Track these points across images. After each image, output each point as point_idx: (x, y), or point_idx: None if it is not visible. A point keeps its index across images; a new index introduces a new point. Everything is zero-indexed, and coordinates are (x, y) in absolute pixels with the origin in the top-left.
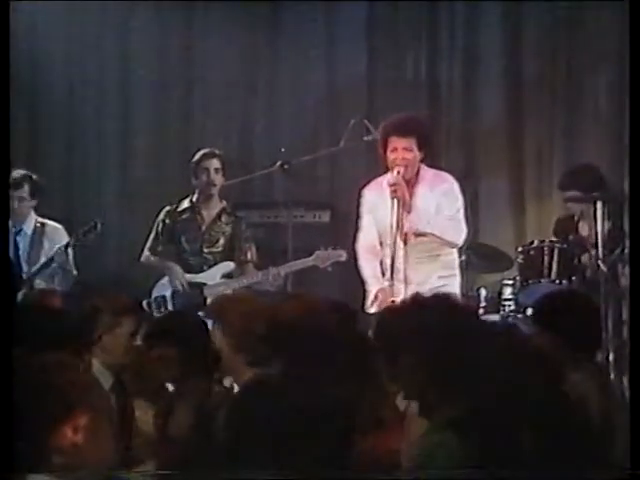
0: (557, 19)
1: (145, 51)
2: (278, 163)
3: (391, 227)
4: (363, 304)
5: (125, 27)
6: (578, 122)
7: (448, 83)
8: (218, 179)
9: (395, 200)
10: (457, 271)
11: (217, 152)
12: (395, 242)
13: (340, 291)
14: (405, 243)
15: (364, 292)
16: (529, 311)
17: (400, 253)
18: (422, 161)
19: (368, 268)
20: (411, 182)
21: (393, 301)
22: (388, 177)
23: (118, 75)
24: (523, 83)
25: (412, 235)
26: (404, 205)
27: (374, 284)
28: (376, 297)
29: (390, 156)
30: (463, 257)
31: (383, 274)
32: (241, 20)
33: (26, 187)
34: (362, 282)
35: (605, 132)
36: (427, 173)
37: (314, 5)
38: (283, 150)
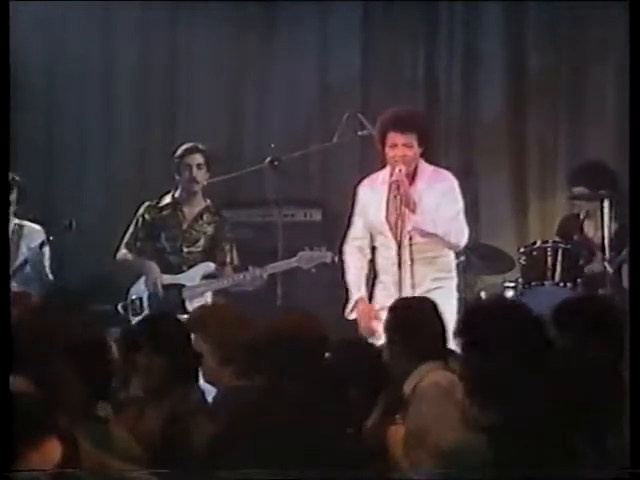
0: (559, 13)
1: (129, 49)
2: (268, 159)
3: (391, 225)
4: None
5: (109, 25)
6: (582, 119)
7: (447, 79)
8: (201, 175)
9: (397, 198)
10: (454, 273)
11: (200, 147)
12: (396, 242)
13: (326, 293)
14: (403, 243)
15: (347, 296)
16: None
17: (395, 253)
18: (421, 156)
19: (354, 270)
20: (409, 179)
21: (374, 314)
22: (384, 173)
23: (101, 74)
24: (525, 79)
25: (416, 235)
26: (407, 203)
27: (355, 291)
28: (355, 306)
29: (389, 152)
30: (462, 258)
31: (375, 276)
32: (233, 19)
33: (14, 191)
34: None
35: (611, 129)
36: (426, 169)
37: (309, 4)
38: (273, 146)
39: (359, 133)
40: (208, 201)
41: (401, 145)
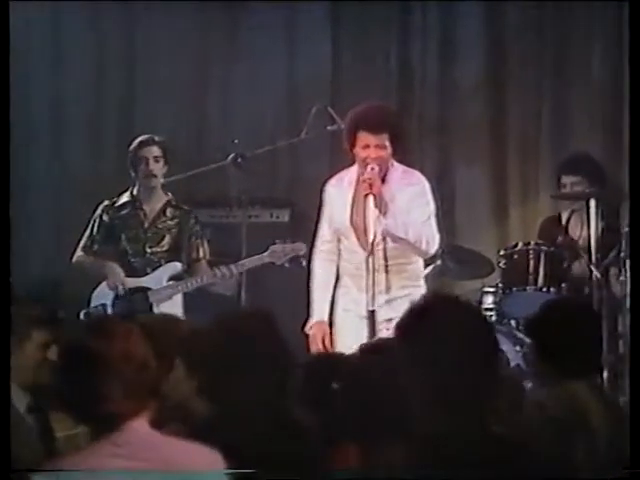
0: None
1: (84, 46)
2: (231, 156)
3: (358, 229)
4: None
5: (61, 21)
6: (567, 112)
7: (421, 67)
8: (158, 168)
9: (370, 197)
10: (422, 282)
11: (156, 139)
12: (363, 246)
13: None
14: (372, 248)
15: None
16: (512, 322)
17: (362, 258)
18: (392, 156)
19: (319, 280)
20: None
21: (327, 340)
22: (352, 172)
23: (51, 76)
24: (505, 70)
25: (383, 240)
26: (378, 205)
27: (317, 311)
28: (311, 328)
29: (361, 153)
30: (438, 262)
31: (337, 278)
32: (193, 19)
33: None
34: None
35: (598, 124)
36: (396, 170)
37: None
38: (237, 141)
39: (329, 128)
40: (169, 195)
41: (374, 146)
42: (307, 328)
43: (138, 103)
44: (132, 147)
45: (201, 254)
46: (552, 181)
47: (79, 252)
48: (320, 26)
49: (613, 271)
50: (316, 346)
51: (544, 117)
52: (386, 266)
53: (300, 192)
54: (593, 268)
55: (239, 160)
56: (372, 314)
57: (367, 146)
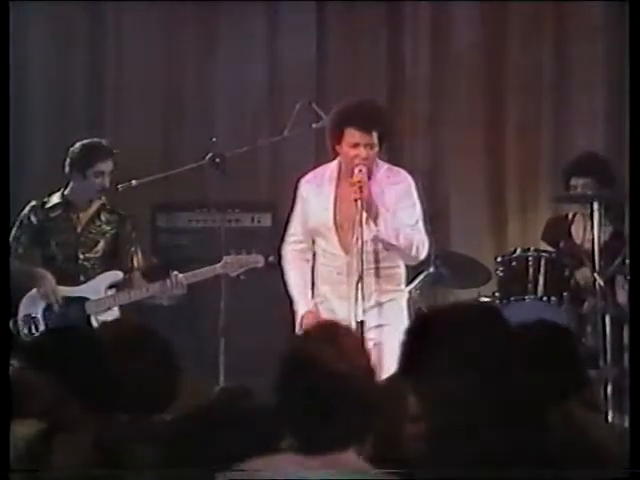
0: None
1: (49, 48)
2: (209, 156)
3: (341, 231)
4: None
5: (26, 18)
6: (568, 110)
7: (412, 62)
8: (108, 182)
9: (358, 202)
10: (403, 286)
11: (113, 151)
12: (344, 250)
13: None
14: (350, 252)
15: (291, 309)
16: None
17: (343, 262)
18: (377, 154)
19: (296, 278)
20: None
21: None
22: (332, 169)
23: (18, 74)
24: (503, 62)
25: (368, 244)
26: (368, 209)
27: (302, 303)
28: (302, 320)
29: (349, 152)
30: (431, 269)
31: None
32: (170, 13)
33: None
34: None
35: (601, 123)
36: (380, 168)
37: None
38: (214, 140)
39: (313, 125)
40: (103, 198)
41: (363, 145)
42: (298, 322)
43: (109, 99)
44: (85, 153)
45: (135, 264)
46: (553, 184)
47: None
48: (304, 17)
49: (619, 279)
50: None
51: (544, 116)
52: (368, 270)
53: (283, 194)
54: (597, 276)
55: (217, 160)
56: (361, 325)
57: (356, 145)
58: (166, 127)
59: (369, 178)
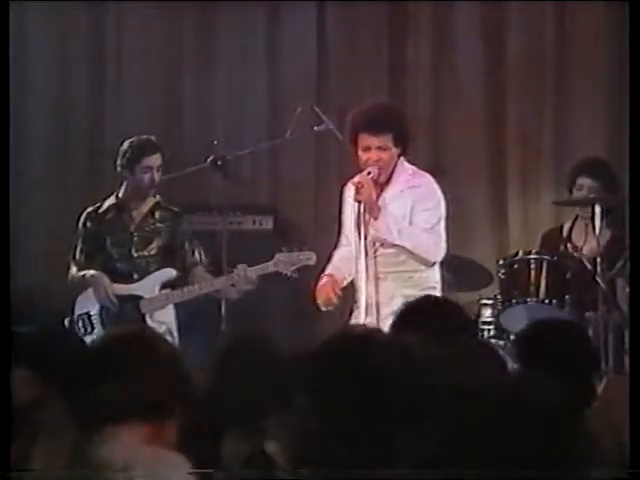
0: None
1: (50, 52)
2: (210, 158)
3: (355, 233)
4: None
5: (24, 18)
6: (570, 111)
7: (414, 64)
8: (159, 178)
9: (358, 204)
10: (434, 291)
11: (158, 145)
12: (360, 252)
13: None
14: (367, 254)
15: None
16: (512, 337)
17: (361, 267)
18: (400, 156)
19: (337, 255)
20: (384, 182)
21: (336, 287)
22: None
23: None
24: (505, 66)
25: (379, 246)
26: (370, 210)
27: (330, 268)
28: (321, 278)
29: (362, 156)
30: None
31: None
32: (170, 16)
33: None
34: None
35: (602, 125)
36: (404, 172)
37: None
38: (216, 142)
39: (315, 128)
40: (158, 197)
41: (375, 148)
42: (319, 283)
43: (109, 102)
44: (131, 150)
45: (197, 258)
46: (555, 186)
47: (73, 268)
48: (305, 20)
49: (620, 283)
50: (325, 295)
51: (545, 117)
52: (385, 274)
53: (285, 197)
54: (599, 279)
55: (219, 163)
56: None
57: (368, 148)
58: (167, 130)
59: (388, 180)
